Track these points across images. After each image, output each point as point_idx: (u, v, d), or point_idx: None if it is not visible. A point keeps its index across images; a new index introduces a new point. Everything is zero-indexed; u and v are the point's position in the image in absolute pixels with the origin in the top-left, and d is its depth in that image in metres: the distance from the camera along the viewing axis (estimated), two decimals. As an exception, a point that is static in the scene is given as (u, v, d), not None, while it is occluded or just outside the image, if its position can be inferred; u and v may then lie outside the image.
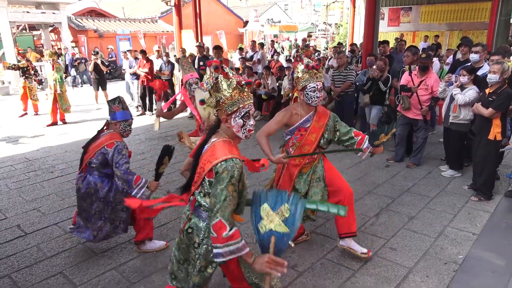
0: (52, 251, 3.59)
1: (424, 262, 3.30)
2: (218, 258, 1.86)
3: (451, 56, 8.73)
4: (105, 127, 3.45)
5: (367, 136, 3.17)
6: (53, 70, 8.51)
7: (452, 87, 4.96)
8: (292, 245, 1.78)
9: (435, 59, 7.87)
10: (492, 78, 4.16)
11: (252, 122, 2.05)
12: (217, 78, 1.97)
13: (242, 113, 2.00)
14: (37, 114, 9.83)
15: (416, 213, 4.20)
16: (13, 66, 9.53)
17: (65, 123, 8.91)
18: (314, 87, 3.03)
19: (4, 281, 3.15)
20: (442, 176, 5.25)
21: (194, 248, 2.09)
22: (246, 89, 2.00)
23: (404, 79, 5.58)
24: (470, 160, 5.15)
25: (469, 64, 5.29)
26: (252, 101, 2.05)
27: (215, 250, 1.86)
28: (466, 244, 3.57)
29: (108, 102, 3.42)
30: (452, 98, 4.90)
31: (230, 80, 1.96)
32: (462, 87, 4.79)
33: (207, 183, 1.98)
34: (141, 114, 9.76)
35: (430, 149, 6.23)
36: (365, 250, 3.31)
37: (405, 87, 5.47)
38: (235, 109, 1.98)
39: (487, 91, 4.31)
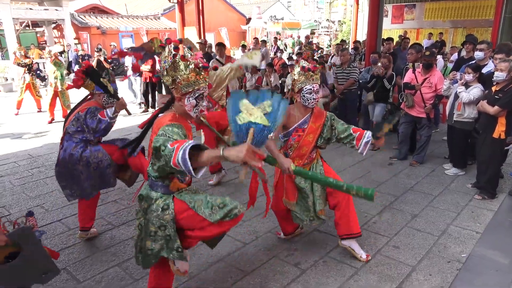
0: (55, 247, 3.60)
1: (427, 261, 3.29)
2: (184, 163, 1.72)
3: (455, 53, 8.70)
4: (89, 96, 3.54)
5: (366, 131, 3.12)
6: (51, 62, 8.51)
7: (457, 85, 4.93)
8: (273, 136, 1.78)
9: (439, 57, 7.84)
10: (499, 76, 4.13)
11: (205, 103, 2.14)
12: (175, 57, 2.03)
13: (196, 95, 2.10)
14: (40, 111, 9.86)
15: (419, 211, 4.19)
16: (23, 64, 9.52)
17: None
18: (311, 89, 3.04)
19: (8, 277, 3.17)
20: (446, 174, 5.23)
21: (143, 213, 2.26)
22: (202, 73, 2.08)
23: (408, 76, 5.55)
24: (474, 158, 5.12)
25: (473, 62, 5.25)
26: (207, 84, 2.13)
27: (181, 162, 1.73)
28: (470, 243, 3.56)
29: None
30: (456, 96, 4.88)
31: (188, 62, 2.04)
32: (466, 85, 4.76)
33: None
34: (144, 111, 9.77)
35: (433, 147, 6.21)
36: (364, 256, 3.28)
37: (409, 85, 5.44)
38: (190, 90, 2.07)
39: (493, 89, 4.28)
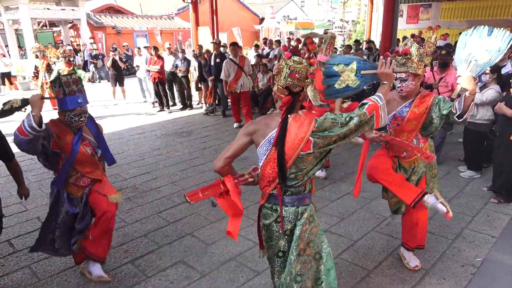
0: (70, 243, 3.66)
1: (441, 264, 3.25)
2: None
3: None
4: None
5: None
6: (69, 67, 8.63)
7: None
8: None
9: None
10: None
11: None
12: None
13: None
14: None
15: (433, 214, 4.12)
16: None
17: None
18: (396, 75, 2.78)
19: (24, 272, 3.24)
20: (461, 177, 5.14)
21: (285, 236, 2.11)
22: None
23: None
24: (490, 161, 5.03)
25: None
26: None
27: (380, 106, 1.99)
28: (485, 247, 3.50)
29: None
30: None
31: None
32: (484, 85, 4.67)
33: (302, 159, 1.99)
34: (160, 110, 9.85)
35: (448, 149, 6.11)
36: (411, 265, 3.17)
37: (426, 84, 5.36)
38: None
39: (511, 91, 4.19)
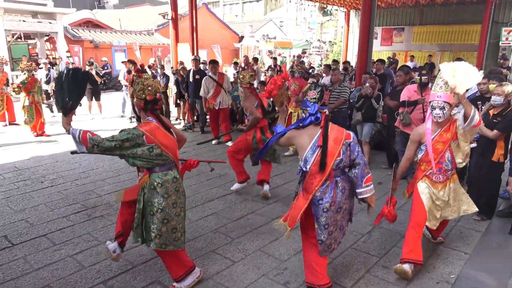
0: (39, 263, 3.51)
1: (417, 281, 3.29)
2: None
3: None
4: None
5: None
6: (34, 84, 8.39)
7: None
8: None
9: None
10: (497, 100, 4.20)
11: None
12: None
13: None
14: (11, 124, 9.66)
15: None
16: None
17: (47, 135, 8.71)
18: None
19: (-12, 294, 3.07)
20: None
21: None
22: None
23: (405, 94, 5.59)
24: (463, 180, 5.17)
25: None
26: None
27: None
28: (458, 264, 3.57)
29: None
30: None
31: None
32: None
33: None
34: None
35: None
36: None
37: (409, 102, 5.48)
38: None
39: (491, 112, 4.34)
